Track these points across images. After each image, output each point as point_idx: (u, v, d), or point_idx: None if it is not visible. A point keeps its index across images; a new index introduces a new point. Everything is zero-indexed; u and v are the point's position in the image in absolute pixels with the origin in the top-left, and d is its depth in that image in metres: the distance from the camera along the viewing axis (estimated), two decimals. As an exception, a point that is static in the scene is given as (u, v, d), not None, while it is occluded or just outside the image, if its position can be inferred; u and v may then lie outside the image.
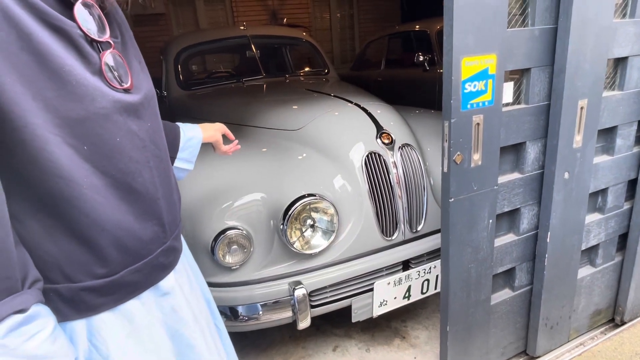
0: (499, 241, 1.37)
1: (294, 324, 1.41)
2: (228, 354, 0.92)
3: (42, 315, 0.50)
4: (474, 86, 1.13)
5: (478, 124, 1.16)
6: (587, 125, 1.31)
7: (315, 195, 1.38)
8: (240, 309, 1.38)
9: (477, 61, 1.11)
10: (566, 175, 1.33)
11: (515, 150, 1.32)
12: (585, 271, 1.58)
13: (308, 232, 1.41)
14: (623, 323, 1.70)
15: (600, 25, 1.21)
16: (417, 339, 1.74)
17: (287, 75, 2.84)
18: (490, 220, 1.29)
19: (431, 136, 1.75)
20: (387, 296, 1.49)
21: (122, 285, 0.61)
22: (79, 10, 0.55)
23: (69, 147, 0.52)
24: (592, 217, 1.51)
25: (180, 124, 0.98)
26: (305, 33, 3.52)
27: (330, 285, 1.43)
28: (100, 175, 0.56)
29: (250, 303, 1.37)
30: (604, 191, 1.50)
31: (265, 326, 1.42)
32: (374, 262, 1.46)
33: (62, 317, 0.57)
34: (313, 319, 1.42)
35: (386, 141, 1.54)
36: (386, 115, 1.67)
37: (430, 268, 1.54)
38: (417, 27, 3.91)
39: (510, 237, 1.40)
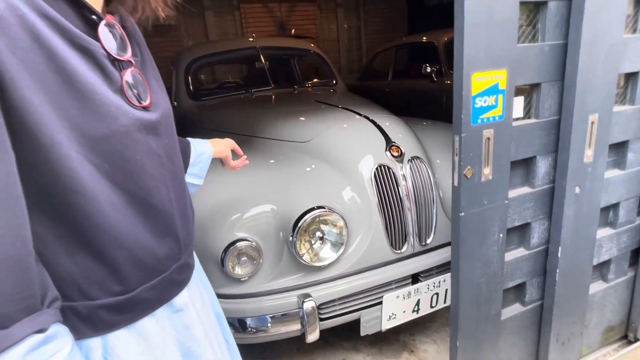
0: (510, 255, 1.37)
1: (302, 336, 1.40)
2: (237, 368, 0.92)
3: (61, 335, 0.50)
4: (485, 101, 1.13)
5: (488, 138, 1.17)
6: (598, 139, 1.30)
7: (324, 208, 1.38)
8: (248, 321, 1.38)
9: (488, 76, 1.12)
10: (577, 189, 1.32)
11: (525, 165, 1.32)
12: (597, 286, 1.56)
13: (317, 245, 1.41)
14: (636, 340, 1.67)
15: (610, 40, 1.22)
16: (425, 353, 1.72)
17: (296, 86, 2.86)
18: (501, 235, 1.28)
19: (439, 148, 1.76)
20: (396, 310, 1.49)
21: (138, 302, 0.62)
22: (102, 30, 0.57)
23: (90, 164, 0.53)
24: (604, 232, 1.50)
25: (191, 140, 0.99)
26: (313, 44, 3.56)
27: (339, 298, 1.43)
28: (120, 192, 0.57)
29: (259, 315, 1.37)
30: (615, 206, 1.48)
31: (273, 338, 1.42)
32: (383, 275, 1.46)
33: (79, 334, 0.58)
34: (321, 331, 1.42)
35: (395, 154, 1.54)
36: (395, 128, 1.68)
37: (439, 282, 1.53)
38: (424, 38, 3.93)
39: (520, 252, 1.39)
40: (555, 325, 1.45)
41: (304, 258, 1.37)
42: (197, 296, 0.77)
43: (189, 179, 0.94)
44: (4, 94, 0.46)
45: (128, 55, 0.61)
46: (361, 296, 1.46)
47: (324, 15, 7.23)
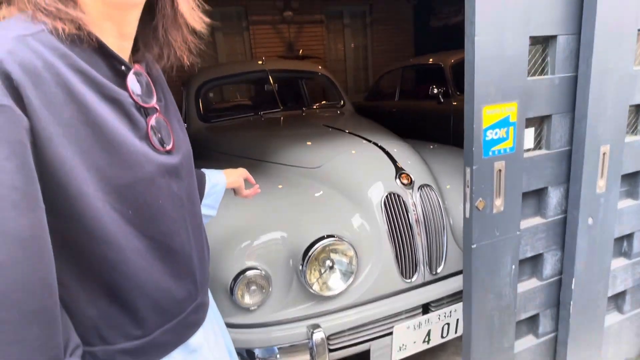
0: (522, 286, 1.34)
1: (311, 367, 1.38)
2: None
3: None
4: (496, 133, 1.13)
5: (500, 170, 1.16)
6: (610, 170, 1.30)
7: (334, 237, 1.38)
8: (257, 352, 1.36)
9: (498, 109, 1.12)
10: (590, 220, 1.31)
11: (537, 195, 1.31)
12: (612, 318, 1.52)
13: (327, 274, 1.40)
14: (654, 373, 1.62)
15: (620, 72, 1.22)
16: (436, 384, 1.68)
17: (304, 108, 2.89)
18: (513, 266, 1.26)
19: (448, 173, 1.75)
20: (406, 340, 1.46)
21: (155, 345, 0.62)
22: (131, 79, 0.58)
23: (115, 212, 0.54)
24: (618, 263, 1.47)
25: (205, 170, 1.00)
26: (320, 65, 3.60)
27: (349, 329, 1.41)
28: (143, 237, 0.58)
29: (267, 346, 1.35)
30: (629, 236, 1.46)
31: (282, 369, 1.39)
32: (393, 305, 1.44)
33: None
34: (330, 362, 1.39)
35: (405, 182, 1.54)
36: (403, 154, 1.68)
37: (450, 312, 1.50)
38: (431, 60, 3.98)
39: (533, 282, 1.37)
40: (570, 358, 1.41)
41: (313, 287, 1.36)
42: (211, 333, 0.77)
43: (203, 210, 0.95)
44: (39, 150, 0.47)
45: (153, 102, 0.62)
46: (371, 326, 1.44)
47: (332, 35, 7.34)
